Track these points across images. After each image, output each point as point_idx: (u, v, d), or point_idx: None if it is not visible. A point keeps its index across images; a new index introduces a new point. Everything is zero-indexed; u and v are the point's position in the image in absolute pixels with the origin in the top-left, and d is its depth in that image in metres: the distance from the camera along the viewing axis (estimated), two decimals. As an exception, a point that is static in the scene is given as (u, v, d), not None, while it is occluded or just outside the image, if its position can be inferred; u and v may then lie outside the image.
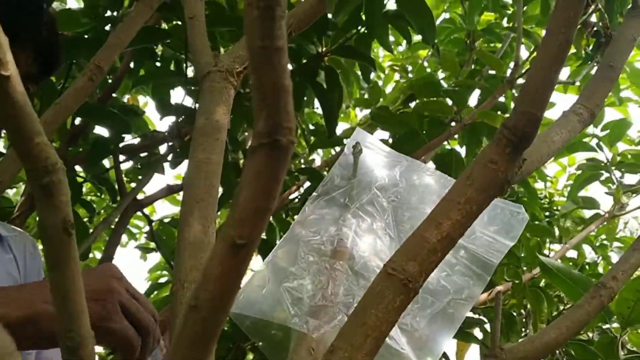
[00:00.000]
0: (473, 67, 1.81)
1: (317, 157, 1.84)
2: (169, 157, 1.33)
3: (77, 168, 1.41)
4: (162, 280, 1.84)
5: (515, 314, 1.56)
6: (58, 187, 0.34)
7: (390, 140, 1.63)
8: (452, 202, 0.49)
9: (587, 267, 1.63)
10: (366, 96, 1.77)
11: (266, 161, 0.28)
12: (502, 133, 0.50)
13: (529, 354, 0.65)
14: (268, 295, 0.65)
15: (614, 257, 1.87)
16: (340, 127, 1.66)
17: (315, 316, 0.61)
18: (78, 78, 0.79)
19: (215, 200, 0.59)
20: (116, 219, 1.20)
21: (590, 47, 1.47)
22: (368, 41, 1.40)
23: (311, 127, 1.68)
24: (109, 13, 1.32)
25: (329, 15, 1.30)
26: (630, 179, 1.78)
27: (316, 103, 1.58)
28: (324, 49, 1.34)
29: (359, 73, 1.67)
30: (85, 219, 1.46)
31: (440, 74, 1.87)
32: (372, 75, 1.91)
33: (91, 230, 1.20)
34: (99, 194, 1.78)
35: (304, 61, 1.31)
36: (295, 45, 1.36)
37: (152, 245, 1.62)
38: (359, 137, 0.75)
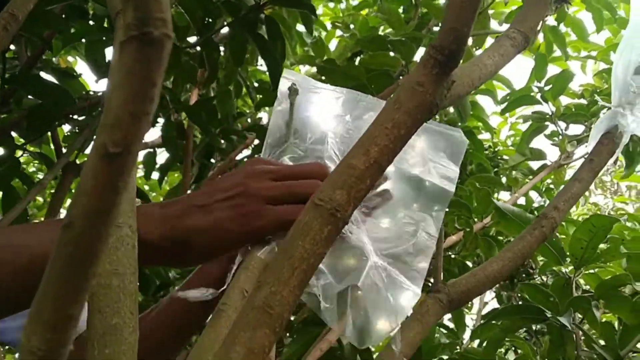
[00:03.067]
0: (419, 21, 1.79)
1: (264, 115, 1.80)
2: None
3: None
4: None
5: (469, 263, 1.58)
6: None
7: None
8: (380, 128, 0.47)
9: (535, 212, 1.65)
10: (310, 52, 1.73)
11: (137, 57, 0.25)
12: (429, 53, 0.47)
13: (472, 287, 0.64)
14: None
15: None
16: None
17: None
18: (-10, 28, 0.73)
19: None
20: (50, 179, 1.15)
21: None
22: None
23: (255, 84, 1.64)
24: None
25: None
26: (574, 129, 1.82)
27: (260, 60, 1.54)
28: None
29: (301, 30, 1.63)
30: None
31: (381, 31, 1.84)
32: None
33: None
34: (37, 163, 1.72)
35: (243, 13, 1.26)
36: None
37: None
38: (291, 78, 0.72)
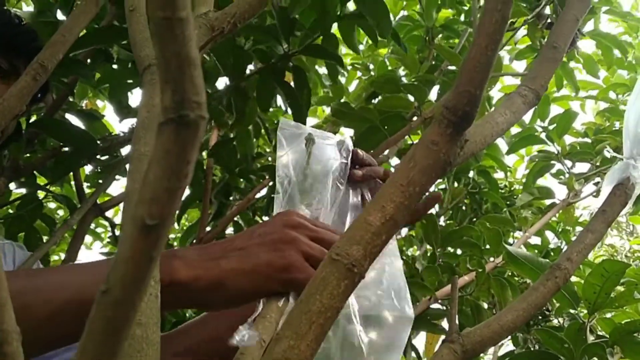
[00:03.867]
0: (433, 63, 1.82)
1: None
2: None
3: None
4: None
5: (482, 304, 1.57)
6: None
7: (353, 137, 1.64)
8: (395, 185, 0.49)
9: (551, 253, 1.65)
10: (330, 94, 1.76)
11: (174, 138, 0.27)
12: (443, 114, 0.49)
13: (486, 337, 0.65)
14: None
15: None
16: (309, 122, 1.66)
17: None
18: (21, 77, 0.77)
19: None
20: (75, 222, 1.18)
21: (545, 39, 1.49)
22: (335, 41, 1.40)
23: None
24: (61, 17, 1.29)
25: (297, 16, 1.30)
26: (580, 167, 1.84)
27: (278, 100, 1.57)
28: (292, 49, 1.33)
29: (321, 71, 1.67)
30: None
31: (401, 72, 1.88)
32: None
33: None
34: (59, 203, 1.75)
35: (272, 61, 1.30)
36: (265, 46, 1.35)
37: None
38: (286, 127, 0.73)
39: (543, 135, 1.81)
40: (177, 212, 1.69)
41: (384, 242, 0.48)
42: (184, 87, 0.27)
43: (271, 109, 1.66)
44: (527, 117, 1.94)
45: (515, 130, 2.02)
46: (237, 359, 0.53)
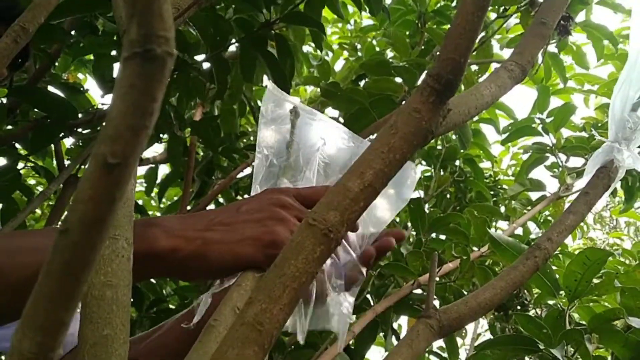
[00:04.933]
0: (423, 47, 1.81)
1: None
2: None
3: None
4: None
5: (465, 292, 1.57)
6: None
7: (342, 119, 1.63)
8: (375, 152, 0.48)
9: (532, 243, 1.65)
10: (315, 74, 1.74)
11: (139, 73, 0.26)
12: (426, 82, 0.49)
13: (463, 314, 0.64)
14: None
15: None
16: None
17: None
18: (1, 39, 0.75)
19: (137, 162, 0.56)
20: (52, 193, 1.16)
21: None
22: (318, 8, 1.37)
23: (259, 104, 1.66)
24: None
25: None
26: (574, 162, 1.83)
27: (264, 81, 1.56)
28: (273, 17, 1.31)
29: (307, 51, 1.66)
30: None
31: (389, 53, 1.86)
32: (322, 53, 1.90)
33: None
34: (36, 175, 1.73)
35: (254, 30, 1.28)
36: (246, 15, 1.33)
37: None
38: (275, 93, 0.72)
39: (540, 128, 1.80)
40: (159, 190, 1.67)
41: (362, 208, 0.47)
42: (151, 21, 0.25)
43: (257, 87, 1.64)
44: (526, 109, 1.94)
45: (504, 122, 2.02)
46: (211, 325, 0.52)
